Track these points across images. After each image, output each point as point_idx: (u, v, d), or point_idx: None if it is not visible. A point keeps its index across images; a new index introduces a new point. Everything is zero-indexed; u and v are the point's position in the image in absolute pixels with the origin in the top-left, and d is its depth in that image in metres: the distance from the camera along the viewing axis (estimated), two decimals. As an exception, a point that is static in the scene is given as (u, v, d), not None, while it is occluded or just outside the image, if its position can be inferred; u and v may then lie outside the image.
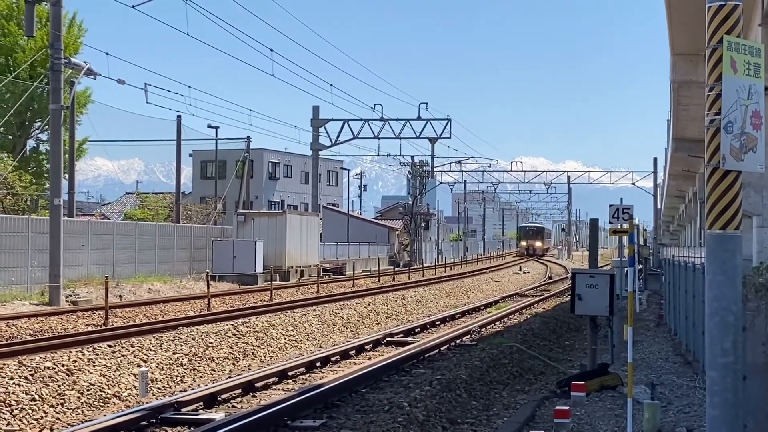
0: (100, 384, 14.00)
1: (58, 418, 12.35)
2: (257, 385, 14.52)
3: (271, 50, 36.51)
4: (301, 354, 18.97)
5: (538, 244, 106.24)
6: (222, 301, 30.18)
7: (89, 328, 21.19)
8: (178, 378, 15.64)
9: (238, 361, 17.77)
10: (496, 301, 34.09)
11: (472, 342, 20.72)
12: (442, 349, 19.58)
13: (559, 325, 24.60)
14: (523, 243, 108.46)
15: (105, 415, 12.16)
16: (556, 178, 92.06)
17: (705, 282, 6.92)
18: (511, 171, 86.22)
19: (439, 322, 25.62)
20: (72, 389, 13.46)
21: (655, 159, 69.10)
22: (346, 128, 55.72)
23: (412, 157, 72.04)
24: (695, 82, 23.00)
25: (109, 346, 16.21)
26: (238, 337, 19.37)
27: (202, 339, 18.29)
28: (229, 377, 15.52)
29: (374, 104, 55.01)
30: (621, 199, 22.08)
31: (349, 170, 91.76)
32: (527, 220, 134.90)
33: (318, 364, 17.07)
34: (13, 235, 29.53)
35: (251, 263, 40.63)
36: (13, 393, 12.66)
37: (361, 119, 55.83)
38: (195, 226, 46.04)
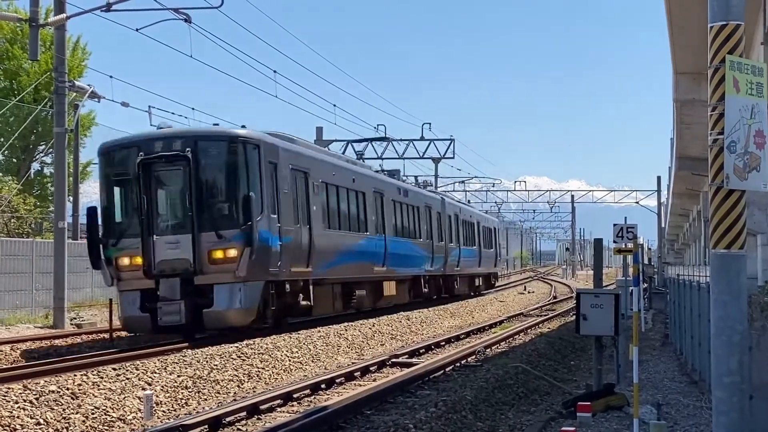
0: (104, 407, 13.96)
1: (62, 442, 12.31)
2: (262, 407, 14.46)
3: (274, 71, 36.59)
4: (306, 376, 18.90)
5: None
6: (226, 322, 30.06)
7: (94, 351, 21.16)
8: (183, 401, 15.59)
9: (242, 384, 17.71)
10: (501, 321, 33.96)
11: (477, 363, 20.64)
12: (447, 370, 19.50)
13: (564, 345, 24.50)
14: None
15: (110, 439, 12.12)
16: (560, 197, 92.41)
17: (710, 301, 6.91)
18: (514, 190, 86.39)
19: (444, 343, 25.52)
20: (77, 413, 13.43)
21: (659, 178, 69.16)
22: (349, 149, 55.88)
23: (416, 177, 71.94)
24: (698, 101, 23.08)
25: (114, 369, 16.16)
26: (243, 360, 19.31)
27: (207, 361, 18.23)
28: (234, 400, 15.46)
29: (377, 124, 55.33)
30: (625, 218, 22.10)
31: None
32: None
33: (323, 385, 17.00)
34: (17, 259, 29.57)
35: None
36: (18, 417, 12.62)
37: (364, 139, 56.02)
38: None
